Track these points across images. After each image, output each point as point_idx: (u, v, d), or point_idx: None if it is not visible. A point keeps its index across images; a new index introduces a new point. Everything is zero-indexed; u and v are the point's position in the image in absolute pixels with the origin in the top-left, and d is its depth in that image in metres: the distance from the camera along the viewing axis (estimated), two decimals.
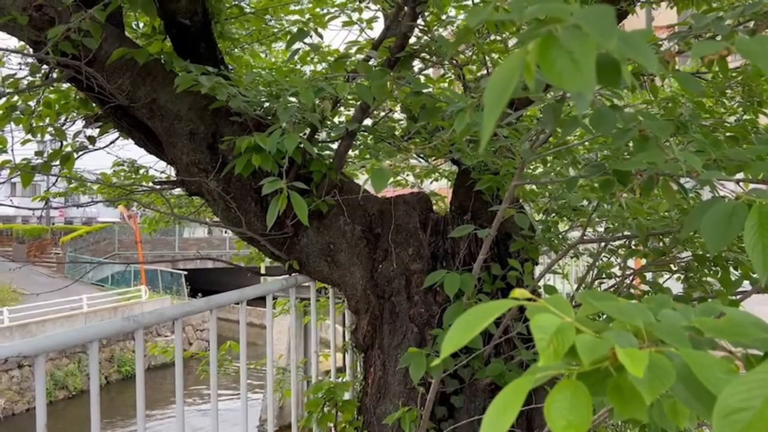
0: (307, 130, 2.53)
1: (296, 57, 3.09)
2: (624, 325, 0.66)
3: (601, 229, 3.19)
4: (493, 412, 0.59)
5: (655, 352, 0.60)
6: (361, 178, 3.59)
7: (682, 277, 2.88)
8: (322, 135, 3.26)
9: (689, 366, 0.58)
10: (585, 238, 2.49)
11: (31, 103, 2.99)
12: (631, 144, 1.79)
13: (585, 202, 2.95)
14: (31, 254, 32.72)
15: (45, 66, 2.61)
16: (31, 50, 2.59)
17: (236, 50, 4.09)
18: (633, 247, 2.86)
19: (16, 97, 2.82)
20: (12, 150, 2.80)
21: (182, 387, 2.20)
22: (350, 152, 3.14)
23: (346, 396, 2.94)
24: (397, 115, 3.90)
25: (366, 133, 3.43)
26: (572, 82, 0.47)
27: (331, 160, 2.83)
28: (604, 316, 1.05)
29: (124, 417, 13.69)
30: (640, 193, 1.62)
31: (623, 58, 0.59)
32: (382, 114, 3.73)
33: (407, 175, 4.63)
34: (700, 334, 0.68)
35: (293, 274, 2.90)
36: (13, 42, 2.87)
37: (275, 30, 4.20)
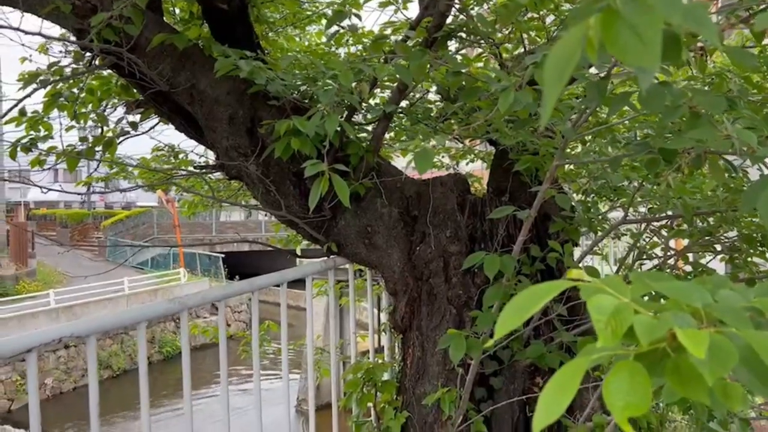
0: (345, 113, 2.53)
1: (332, 40, 3.08)
2: (680, 306, 0.65)
3: (642, 210, 3.13)
4: (550, 392, 0.58)
5: (715, 333, 0.59)
6: (397, 161, 3.59)
7: (727, 257, 2.81)
8: (358, 118, 3.26)
9: (752, 347, 0.57)
10: (627, 218, 2.45)
11: (75, 90, 3.05)
12: (674, 122, 1.75)
13: (626, 182, 2.90)
14: (73, 238, 33.66)
15: (88, 53, 2.66)
16: (74, 38, 2.64)
17: (271, 34, 4.10)
18: (676, 227, 2.81)
19: (60, 84, 2.89)
20: (61, 137, 2.86)
21: (226, 365, 2.24)
22: (385, 135, 3.13)
23: (385, 376, 2.96)
24: (431, 96, 3.87)
25: (402, 115, 3.42)
26: (637, 57, 0.46)
27: (368, 143, 2.83)
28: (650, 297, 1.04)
29: (168, 396, 14.07)
30: (687, 172, 1.58)
31: (683, 32, 0.57)
32: (418, 96, 3.70)
33: (442, 156, 4.61)
34: (760, 314, 0.66)
35: (332, 257, 2.92)
36: (56, 30, 2.92)
37: (309, 13, 4.19)
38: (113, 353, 17.93)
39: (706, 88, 2.29)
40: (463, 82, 2.14)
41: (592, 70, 1.81)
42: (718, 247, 2.84)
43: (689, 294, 0.65)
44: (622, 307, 0.59)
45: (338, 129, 2.23)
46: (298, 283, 2.83)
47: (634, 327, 0.58)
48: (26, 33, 2.37)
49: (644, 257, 3.09)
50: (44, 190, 2.84)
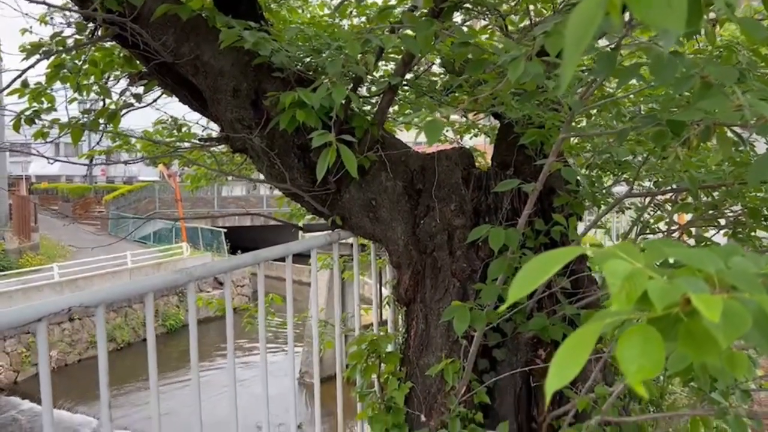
0: (350, 85, 2.52)
1: (337, 11, 3.05)
2: (693, 272, 0.65)
3: (647, 184, 3.13)
4: (563, 356, 0.59)
5: (728, 298, 0.59)
6: (400, 135, 3.57)
7: (730, 232, 2.82)
8: (362, 91, 3.24)
9: (765, 311, 0.58)
10: (632, 191, 2.45)
11: (77, 62, 3.03)
12: (682, 95, 1.74)
13: (630, 157, 2.89)
14: (76, 212, 33.73)
15: (90, 24, 2.64)
16: (76, 8, 2.62)
17: (273, 5, 4.06)
18: (680, 202, 2.81)
19: (63, 56, 2.86)
20: (67, 108, 2.85)
21: (233, 336, 2.26)
22: (389, 108, 3.12)
23: (389, 348, 2.99)
24: (435, 69, 3.84)
25: (406, 88, 3.40)
26: (663, 18, 0.45)
27: (373, 116, 2.82)
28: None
29: (172, 368, 14.22)
30: (695, 144, 1.58)
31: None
32: (422, 68, 3.68)
33: (447, 130, 4.59)
34: None
35: (336, 230, 2.93)
36: (58, 0, 2.89)
37: None
38: (117, 326, 18.09)
39: (714, 60, 2.27)
40: (470, 55, 2.12)
41: (601, 42, 1.80)
42: (722, 222, 2.84)
43: (702, 260, 0.65)
44: (636, 272, 0.59)
45: (343, 102, 2.22)
46: (301, 259, 2.84)
47: (648, 292, 0.59)
48: (29, 0, 2.34)
49: (647, 231, 3.10)
50: (50, 161, 2.84)
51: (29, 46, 2.76)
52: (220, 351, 14.93)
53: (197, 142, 3.46)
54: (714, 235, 2.96)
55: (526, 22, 3.36)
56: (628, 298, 0.58)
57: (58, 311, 1.62)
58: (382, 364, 2.94)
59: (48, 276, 17.93)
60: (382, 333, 3.19)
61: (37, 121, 2.95)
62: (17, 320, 1.59)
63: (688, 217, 3.05)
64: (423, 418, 2.76)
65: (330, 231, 2.93)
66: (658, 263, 1.17)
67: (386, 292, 3.51)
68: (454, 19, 2.82)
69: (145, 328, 1.88)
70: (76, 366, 16.80)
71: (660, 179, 2.62)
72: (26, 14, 2.66)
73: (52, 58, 2.77)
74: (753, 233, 2.73)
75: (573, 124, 3.38)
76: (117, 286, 1.85)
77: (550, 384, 0.60)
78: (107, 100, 3.21)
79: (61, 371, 16.14)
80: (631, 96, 2.92)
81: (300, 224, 4.09)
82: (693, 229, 3.02)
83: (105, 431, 1.85)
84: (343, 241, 3.04)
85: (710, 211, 2.59)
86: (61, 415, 13.27)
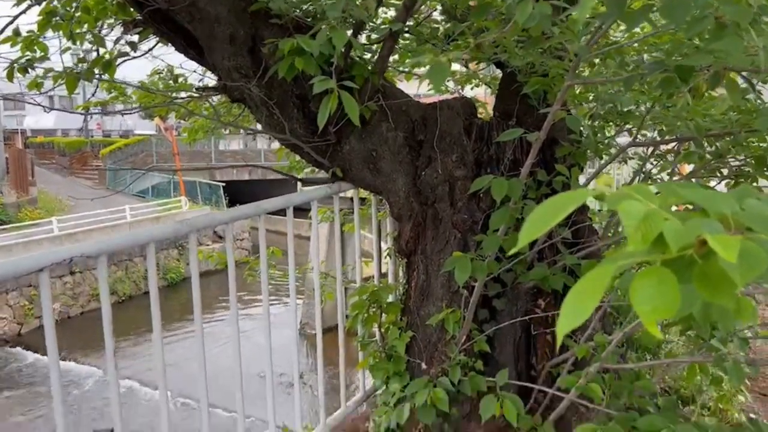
0: (350, 31, 2.45)
1: None
2: (707, 214, 0.64)
3: (649, 134, 3.10)
4: (575, 296, 0.59)
5: (744, 239, 0.58)
6: (401, 85, 3.51)
7: (732, 182, 2.80)
8: (362, 39, 3.17)
9: None
10: (636, 141, 2.42)
11: (69, 9, 2.95)
12: (691, 39, 1.70)
13: (634, 106, 2.85)
14: (73, 166, 33.59)
15: None
16: None
17: None
18: (683, 151, 2.79)
19: (55, 2, 2.78)
20: (61, 57, 2.79)
21: (235, 287, 2.27)
22: (390, 57, 3.05)
23: (390, 299, 3.02)
24: (436, 16, 3.75)
25: (407, 36, 3.32)
26: None
27: (373, 64, 2.76)
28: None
29: (174, 321, 14.42)
30: (704, 90, 1.55)
31: None
32: (423, 16, 3.59)
33: (447, 80, 4.52)
34: None
35: (337, 182, 2.91)
36: None
37: None
38: (118, 279, 18.24)
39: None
40: (472, 2, 2.06)
41: None
42: (725, 172, 2.83)
43: (717, 202, 0.64)
44: (652, 213, 0.58)
45: (343, 49, 2.16)
46: (300, 213, 2.83)
47: (663, 233, 0.58)
48: None
49: (650, 182, 3.08)
50: (46, 109, 2.79)
51: None
52: (221, 304, 15.11)
53: (194, 92, 3.40)
54: (716, 185, 2.95)
55: None
56: (644, 238, 0.57)
57: (59, 261, 1.62)
58: (383, 314, 2.97)
59: (47, 230, 17.99)
60: (382, 284, 3.21)
61: (30, 71, 2.89)
62: (19, 270, 1.58)
63: (689, 167, 3.03)
64: (424, 366, 2.81)
65: (331, 183, 2.91)
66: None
67: (386, 246, 3.52)
68: None
69: (146, 281, 1.88)
70: (79, 318, 17.02)
71: (663, 129, 2.59)
72: None
73: (44, 4, 2.69)
74: (755, 183, 2.72)
75: (576, 73, 3.33)
76: (118, 236, 1.84)
77: (561, 326, 0.60)
78: (101, 50, 3.13)
79: (65, 324, 16.35)
80: (635, 45, 2.86)
81: (299, 177, 4.07)
82: (694, 180, 3.01)
83: (111, 380, 1.87)
84: (343, 194, 3.02)
85: (714, 162, 2.57)
86: (67, 366, 13.52)
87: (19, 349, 15.26)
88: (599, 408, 2.24)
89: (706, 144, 2.58)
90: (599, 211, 3.36)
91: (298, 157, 4.44)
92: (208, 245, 19.97)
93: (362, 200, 3.43)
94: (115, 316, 1.79)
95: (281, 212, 2.65)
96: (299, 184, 3.28)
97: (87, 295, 17.53)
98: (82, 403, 12.28)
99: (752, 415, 2.85)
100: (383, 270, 3.39)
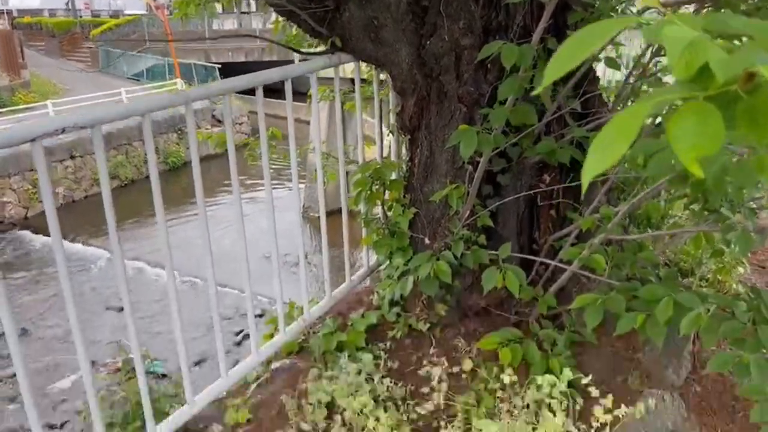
0: None
1: None
2: (757, 45, 0.57)
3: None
4: (606, 137, 0.53)
5: None
6: None
7: None
8: None
9: None
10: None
11: None
12: None
13: None
14: (64, 48, 32.56)
15: None
16: None
17: None
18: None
19: None
20: None
21: (235, 165, 2.22)
22: None
23: (393, 176, 2.98)
24: None
25: None
26: None
27: None
28: None
29: (176, 204, 14.54)
30: None
31: None
32: None
33: None
34: None
35: (336, 53, 2.78)
36: None
37: None
38: (119, 164, 18.23)
39: None
40: None
41: None
42: None
43: None
44: (698, 40, 0.52)
45: None
46: (298, 97, 2.71)
47: (709, 62, 0.52)
48: None
49: (663, 53, 2.94)
50: None
51: None
52: (222, 188, 15.18)
53: None
54: None
55: None
56: (688, 67, 0.50)
57: (51, 131, 1.56)
58: (387, 192, 2.94)
59: (43, 114, 17.74)
60: (386, 161, 3.16)
61: None
62: (12, 140, 1.53)
63: None
64: (427, 241, 2.82)
65: (330, 54, 2.78)
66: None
67: (391, 120, 3.43)
68: None
69: (147, 165, 1.83)
70: (83, 202, 17.19)
71: None
72: None
73: None
74: None
75: None
76: (112, 106, 1.77)
77: (588, 169, 0.55)
78: None
79: (69, 207, 16.54)
80: None
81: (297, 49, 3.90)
82: None
83: (116, 257, 1.87)
84: (343, 76, 2.90)
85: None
86: (74, 247, 13.82)
87: (27, 232, 15.54)
88: (601, 279, 2.27)
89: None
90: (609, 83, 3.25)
91: (295, 31, 4.24)
92: (207, 129, 19.75)
93: (363, 81, 3.30)
94: (119, 200, 1.76)
95: (280, 95, 2.55)
96: (296, 58, 3.14)
97: (90, 180, 17.58)
98: (92, 284, 12.68)
99: (751, 285, 2.91)
100: (385, 154, 3.33)
